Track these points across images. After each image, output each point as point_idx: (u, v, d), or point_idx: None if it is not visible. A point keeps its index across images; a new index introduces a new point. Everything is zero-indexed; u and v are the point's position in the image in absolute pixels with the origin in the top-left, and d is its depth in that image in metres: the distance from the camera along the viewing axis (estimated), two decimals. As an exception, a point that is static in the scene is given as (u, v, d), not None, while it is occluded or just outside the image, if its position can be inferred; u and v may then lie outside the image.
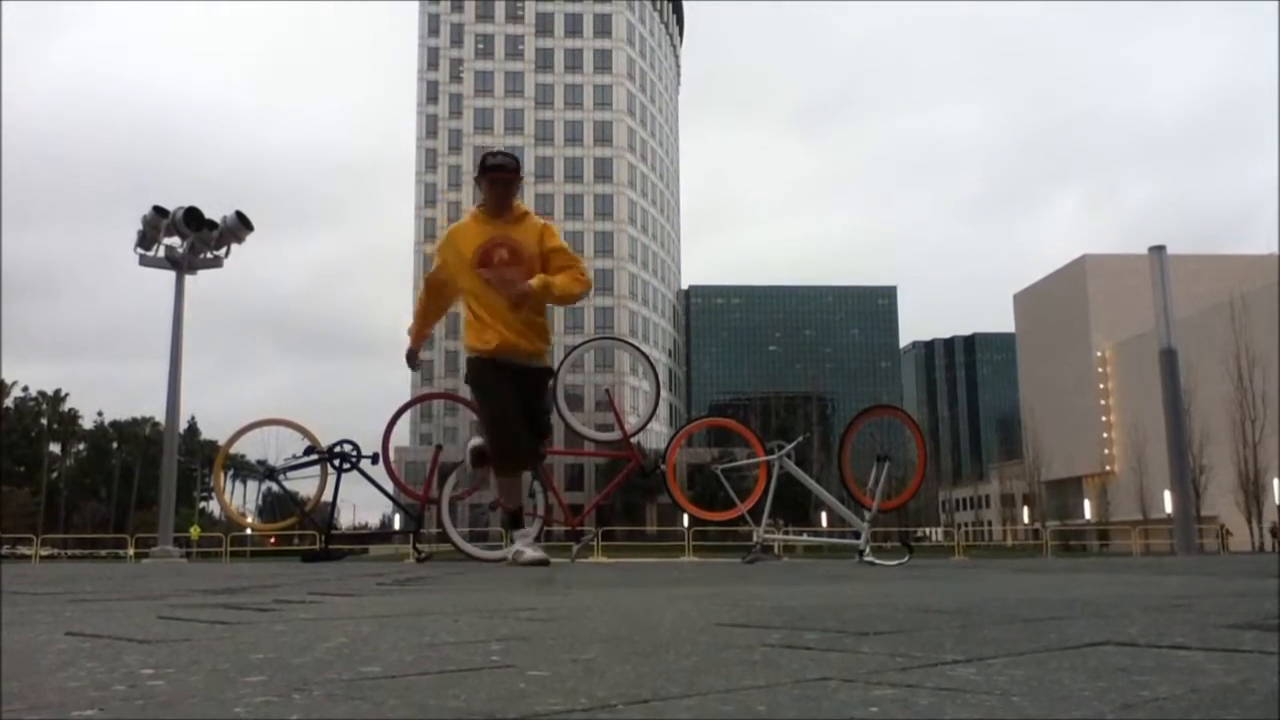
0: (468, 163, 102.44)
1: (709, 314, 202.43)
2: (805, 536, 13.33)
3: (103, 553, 44.48)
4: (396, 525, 16.10)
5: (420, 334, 6.55)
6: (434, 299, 6.33)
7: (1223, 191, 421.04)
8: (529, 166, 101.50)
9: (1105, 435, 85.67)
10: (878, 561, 7.12)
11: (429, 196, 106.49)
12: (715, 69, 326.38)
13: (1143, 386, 61.40)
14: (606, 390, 11.13)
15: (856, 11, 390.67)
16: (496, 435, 5.83)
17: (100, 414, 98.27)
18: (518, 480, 6.11)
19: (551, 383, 6.60)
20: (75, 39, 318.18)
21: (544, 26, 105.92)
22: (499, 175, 5.86)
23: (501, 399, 5.78)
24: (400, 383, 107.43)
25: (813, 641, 1.43)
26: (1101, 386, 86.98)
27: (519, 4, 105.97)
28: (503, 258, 5.76)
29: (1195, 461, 50.61)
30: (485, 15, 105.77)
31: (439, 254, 6.10)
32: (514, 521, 6.02)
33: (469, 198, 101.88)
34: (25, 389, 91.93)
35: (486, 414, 5.88)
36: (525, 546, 5.84)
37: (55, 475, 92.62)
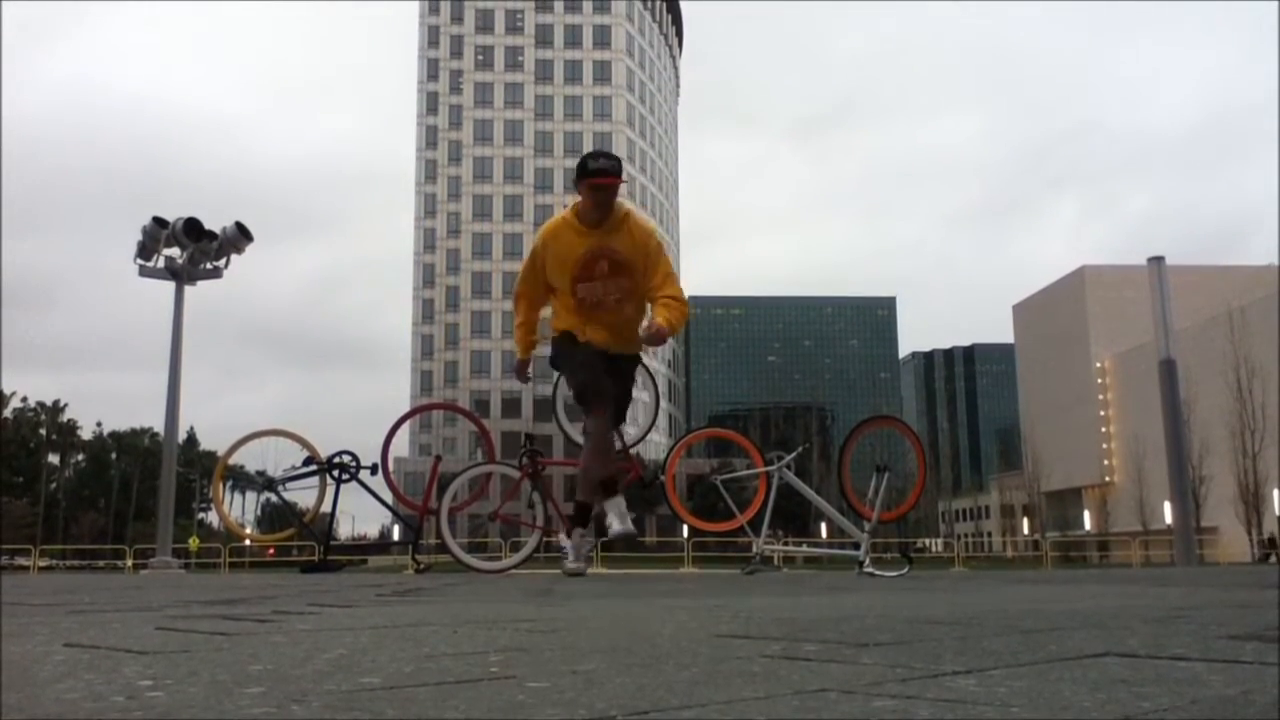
0: (467, 174, 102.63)
1: (708, 325, 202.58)
2: (805, 548, 13.32)
3: (101, 564, 44.42)
4: (395, 536, 16.09)
5: (529, 343, 6.01)
6: (531, 305, 5.92)
7: (1222, 202, 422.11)
8: (529, 177, 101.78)
9: (1105, 446, 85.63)
10: (877, 573, 7.10)
11: (429, 207, 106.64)
12: (714, 80, 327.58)
13: (1142, 398, 61.38)
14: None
15: (855, 23, 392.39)
16: (586, 376, 5.67)
17: (99, 425, 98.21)
18: (608, 439, 5.86)
19: (553, 391, 6.59)
20: (72, 48, 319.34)
21: (543, 38, 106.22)
22: (602, 181, 5.41)
23: (588, 353, 5.65)
24: (399, 393, 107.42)
25: (812, 653, 1.43)
26: (1101, 397, 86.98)
27: (519, 16, 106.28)
28: (603, 270, 5.48)
29: (1195, 473, 50.61)
30: (485, 27, 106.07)
31: (534, 257, 5.72)
32: (607, 489, 5.75)
33: (468, 208, 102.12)
34: (24, 400, 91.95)
35: (575, 366, 5.73)
36: (615, 519, 5.67)
37: (54, 486, 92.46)
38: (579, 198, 5.55)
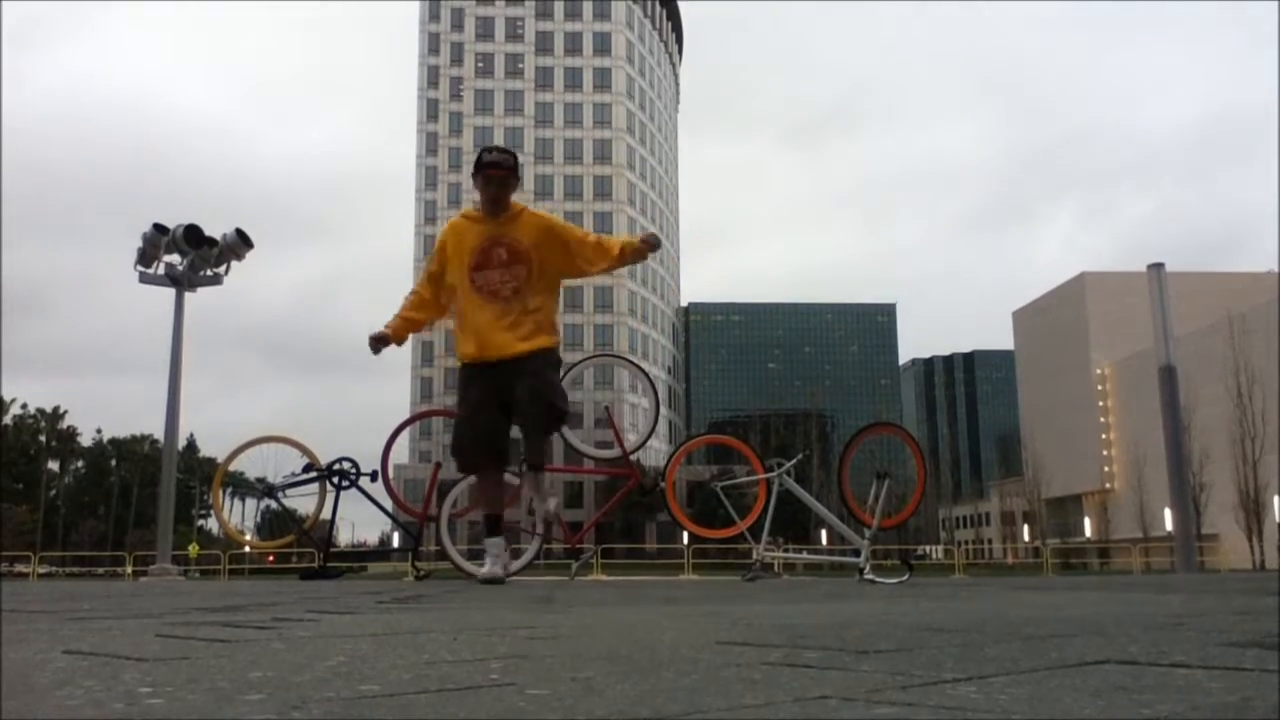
0: (468, 181, 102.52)
1: (708, 331, 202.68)
2: (805, 554, 13.32)
3: (101, 571, 44.40)
4: (395, 543, 16.07)
5: (403, 328, 5.88)
6: (434, 291, 5.87)
7: (1221, 208, 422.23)
8: (529, 184, 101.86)
9: (1105, 453, 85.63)
10: (878, 579, 7.10)
11: (429, 214, 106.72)
12: (715, 85, 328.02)
13: (1142, 404, 61.41)
14: (606, 407, 11.02)
15: (854, 30, 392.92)
16: (464, 429, 5.67)
17: (99, 431, 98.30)
18: (493, 484, 5.86)
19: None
20: (71, 53, 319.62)
21: (544, 45, 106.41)
22: (494, 172, 5.61)
23: (468, 402, 5.62)
24: (399, 400, 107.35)
25: (813, 660, 1.43)
26: (1101, 404, 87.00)
27: (519, 23, 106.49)
28: (501, 258, 5.55)
29: (1195, 479, 50.58)
30: (485, 34, 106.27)
31: (441, 252, 5.79)
32: (489, 528, 5.78)
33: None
34: (24, 406, 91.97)
35: (459, 419, 5.76)
36: (489, 560, 5.72)
37: (54, 493, 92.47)
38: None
